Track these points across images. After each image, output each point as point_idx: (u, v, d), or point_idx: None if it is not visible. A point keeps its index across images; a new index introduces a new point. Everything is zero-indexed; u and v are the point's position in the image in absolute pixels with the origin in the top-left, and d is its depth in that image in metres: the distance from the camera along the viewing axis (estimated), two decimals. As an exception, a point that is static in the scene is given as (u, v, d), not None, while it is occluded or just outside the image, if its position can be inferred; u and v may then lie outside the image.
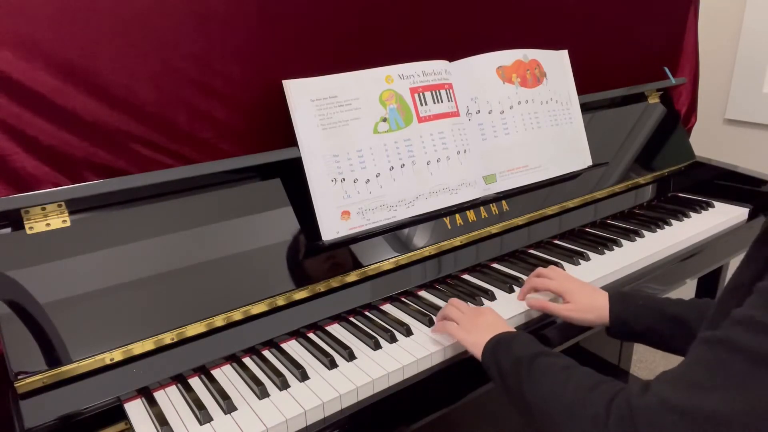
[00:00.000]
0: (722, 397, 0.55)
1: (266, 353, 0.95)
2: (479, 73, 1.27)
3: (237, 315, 0.94)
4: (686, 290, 1.38)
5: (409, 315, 1.05)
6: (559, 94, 1.40)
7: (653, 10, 1.69)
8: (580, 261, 1.23)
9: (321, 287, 1.03)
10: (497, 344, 0.84)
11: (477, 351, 0.87)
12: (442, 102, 1.20)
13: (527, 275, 1.12)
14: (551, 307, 1.01)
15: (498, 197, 1.27)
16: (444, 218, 1.19)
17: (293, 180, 1.04)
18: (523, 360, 0.77)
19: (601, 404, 0.64)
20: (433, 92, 1.19)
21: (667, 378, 0.61)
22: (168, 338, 0.88)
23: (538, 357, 0.77)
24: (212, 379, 0.88)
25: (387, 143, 1.12)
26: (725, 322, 0.59)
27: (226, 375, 0.90)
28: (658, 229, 1.40)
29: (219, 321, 0.92)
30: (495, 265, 1.24)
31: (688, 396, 0.57)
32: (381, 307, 1.08)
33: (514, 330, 0.89)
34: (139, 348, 0.86)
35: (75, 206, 0.87)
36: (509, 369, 0.79)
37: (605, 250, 1.28)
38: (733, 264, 0.70)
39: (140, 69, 0.96)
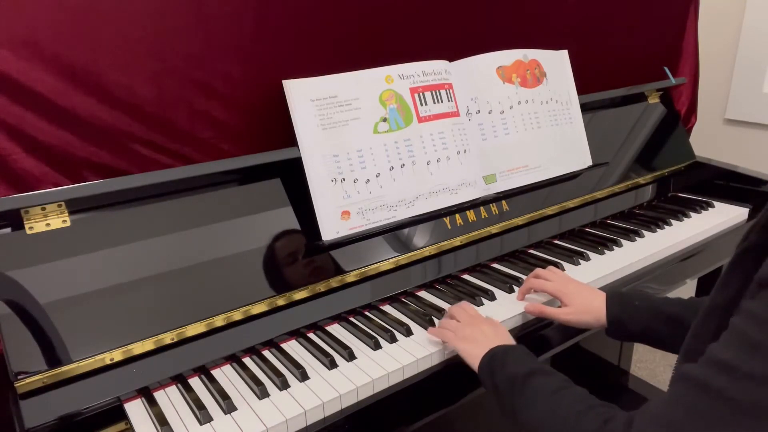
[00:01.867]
0: None
1: (266, 353, 0.95)
2: (479, 73, 1.27)
3: (237, 315, 0.94)
4: (686, 290, 1.38)
5: (408, 315, 1.05)
6: (559, 94, 1.40)
7: (653, 10, 1.69)
8: (580, 261, 1.23)
9: (321, 287, 1.03)
10: (492, 359, 0.84)
11: (473, 362, 0.87)
12: (442, 102, 1.20)
13: (527, 275, 1.12)
14: (548, 312, 1.01)
15: (498, 197, 1.27)
16: (444, 218, 1.19)
17: (293, 180, 1.04)
18: (517, 379, 0.78)
19: None
20: (433, 92, 1.19)
21: (649, 414, 0.62)
22: (168, 338, 0.88)
23: (531, 376, 0.77)
24: (212, 379, 0.88)
25: (387, 143, 1.12)
26: (702, 357, 0.60)
27: (226, 375, 0.90)
28: (658, 229, 1.40)
29: (219, 321, 0.93)
30: (495, 265, 1.24)
31: None
32: (381, 307, 1.08)
33: (511, 342, 0.89)
34: (139, 348, 0.86)
35: (75, 206, 0.87)
36: (503, 386, 0.79)
37: (605, 250, 1.28)
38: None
39: (140, 69, 0.96)
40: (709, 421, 0.57)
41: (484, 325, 0.92)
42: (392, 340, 0.96)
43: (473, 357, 0.87)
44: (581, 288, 1.03)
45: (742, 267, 0.63)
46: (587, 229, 1.42)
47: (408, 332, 0.98)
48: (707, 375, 0.58)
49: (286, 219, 1.04)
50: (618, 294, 0.99)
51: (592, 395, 0.72)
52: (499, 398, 0.80)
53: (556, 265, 1.18)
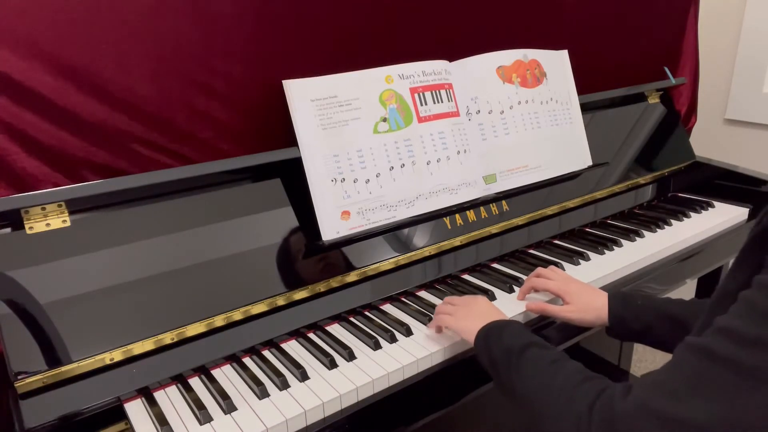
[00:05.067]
0: (701, 406, 0.55)
1: (266, 353, 0.95)
2: (479, 73, 1.27)
3: (237, 315, 0.94)
4: (686, 290, 1.38)
5: (409, 315, 1.05)
6: (559, 94, 1.40)
7: (653, 11, 1.69)
8: (580, 261, 1.23)
9: (321, 287, 1.03)
10: (489, 332, 0.84)
11: (470, 337, 0.87)
12: (442, 102, 1.20)
13: (527, 275, 1.12)
14: (550, 309, 1.01)
15: (498, 197, 1.27)
16: (444, 218, 1.19)
17: (293, 180, 1.04)
18: (513, 350, 0.78)
19: (584, 404, 0.65)
20: (433, 92, 1.19)
21: (649, 382, 0.61)
22: (168, 338, 0.88)
23: (528, 348, 0.77)
24: (212, 379, 0.88)
25: (387, 143, 1.12)
26: (709, 329, 0.59)
27: (226, 375, 0.90)
28: (658, 229, 1.40)
29: (219, 321, 0.92)
30: (495, 265, 1.24)
31: (668, 403, 0.57)
32: (381, 307, 1.08)
33: (507, 318, 0.89)
34: (139, 348, 0.86)
35: (75, 206, 0.87)
36: (499, 358, 0.79)
37: (605, 250, 1.28)
38: (733, 264, 0.70)
39: (140, 69, 0.96)
40: (714, 388, 0.55)
41: (481, 303, 0.94)
42: (392, 340, 0.96)
43: (470, 332, 0.87)
44: (583, 287, 1.03)
45: (756, 251, 0.61)
46: (587, 229, 1.42)
47: (408, 332, 0.98)
48: (713, 342, 0.57)
49: (286, 219, 1.04)
50: (620, 293, 1.00)
51: (587, 369, 0.72)
52: (496, 371, 0.80)
53: (556, 264, 1.18)
